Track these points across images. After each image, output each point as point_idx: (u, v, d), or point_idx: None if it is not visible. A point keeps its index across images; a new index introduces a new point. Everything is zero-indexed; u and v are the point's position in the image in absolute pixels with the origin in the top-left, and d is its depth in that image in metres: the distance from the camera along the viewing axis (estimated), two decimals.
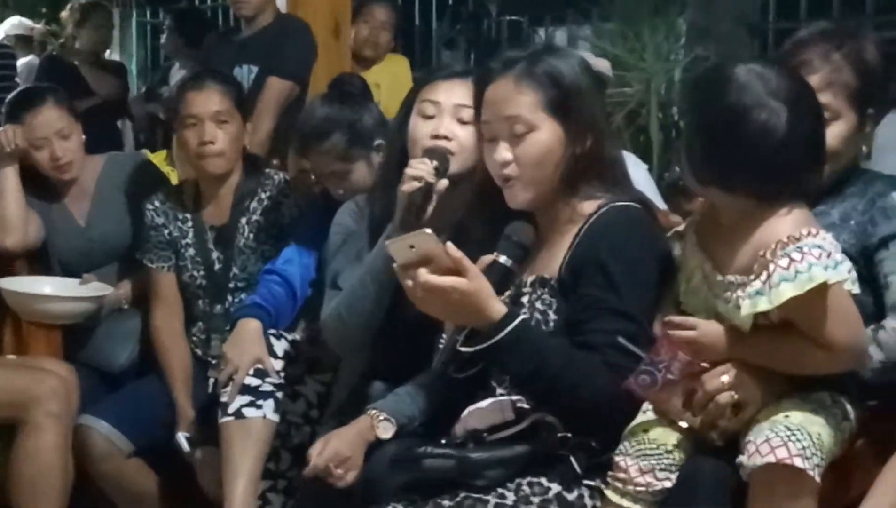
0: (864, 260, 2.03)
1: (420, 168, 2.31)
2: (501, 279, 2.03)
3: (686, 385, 1.85)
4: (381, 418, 2.26)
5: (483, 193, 2.18)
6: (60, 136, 3.27)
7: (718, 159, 1.83)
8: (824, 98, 2.03)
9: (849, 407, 1.89)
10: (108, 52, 6.89)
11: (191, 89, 3.11)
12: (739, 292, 1.83)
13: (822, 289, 1.76)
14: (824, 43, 2.08)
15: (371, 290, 2.41)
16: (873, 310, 2.01)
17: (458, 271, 1.92)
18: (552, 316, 2.05)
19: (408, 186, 2.30)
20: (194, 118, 3.06)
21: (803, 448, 1.76)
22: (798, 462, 1.75)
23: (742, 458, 1.80)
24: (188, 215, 3.18)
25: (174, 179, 3.59)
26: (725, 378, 1.84)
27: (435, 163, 2.32)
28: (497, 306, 1.95)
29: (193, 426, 3.02)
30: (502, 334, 1.94)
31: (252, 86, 3.79)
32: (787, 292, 1.76)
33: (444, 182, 2.33)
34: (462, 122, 2.39)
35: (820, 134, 1.87)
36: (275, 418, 2.72)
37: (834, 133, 2.04)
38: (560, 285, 2.05)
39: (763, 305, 1.78)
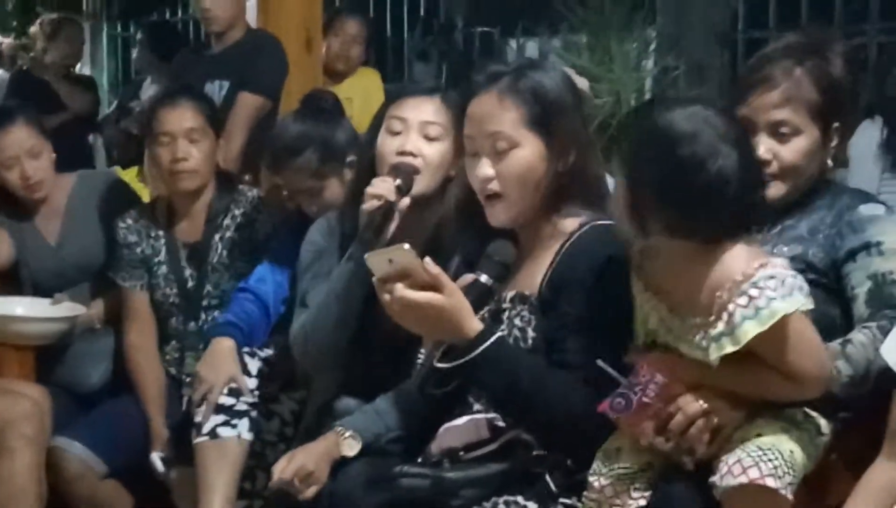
0: (833, 273, 2.04)
1: (381, 186, 2.31)
2: (481, 298, 2.04)
3: (660, 409, 1.85)
4: (347, 435, 2.25)
5: (465, 208, 2.18)
6: (30, 155, 3.25)
7: (669, 208, 1.79)
8: (783, 114, 2.06)
9: (822, 422, 1.90)
10: (78, 66, 6.86)
11: (164, 106, 3.11)
12: (701, 335, 1.82)
13: (784, 320, 1.76)
14: (787, 58, 2.09)
15: (334, 310, 2.41)
16: (842, 323, 2.02)
17: (435, 286, 1.92)
18: (531, 333, 2.05)
19: (368, 205, 2.30)
20: (167, 135, 3.05)
21: (775, 467, 1.77)
22: (770, 482, 1.76)
23: (715, 479, 1.80)
24: (161, 233, 3.17)
25: (146, 197, 3.57)
26: (703, 403, 1.84)
27: (398, 181, 2.32)
28: (473, 324, 1.96)
29: (168, 446, 3.01)
30: (478, 350, 1.95)
31: (223, 102, 3.78)
32: (751, 330, 1.75)
33: (405, 201, 2.33)
34: (429, 138, 2.39)
35: (756, 166, 1.87)
36: (249, 437, 2.71)
37: (794, 148, 2.06)
38: (540, 302, 2.05)
39: (729, 346, 1.78)
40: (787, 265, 1.83)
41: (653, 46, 5.18)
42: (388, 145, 2.40)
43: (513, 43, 6.54)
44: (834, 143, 2.11)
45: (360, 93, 4.56)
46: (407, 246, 1.93)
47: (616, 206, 1.87)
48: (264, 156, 3.01)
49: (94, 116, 6.07)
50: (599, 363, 1.89)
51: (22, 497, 2.92)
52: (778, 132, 2.07)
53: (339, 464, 2.23)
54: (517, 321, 2.06)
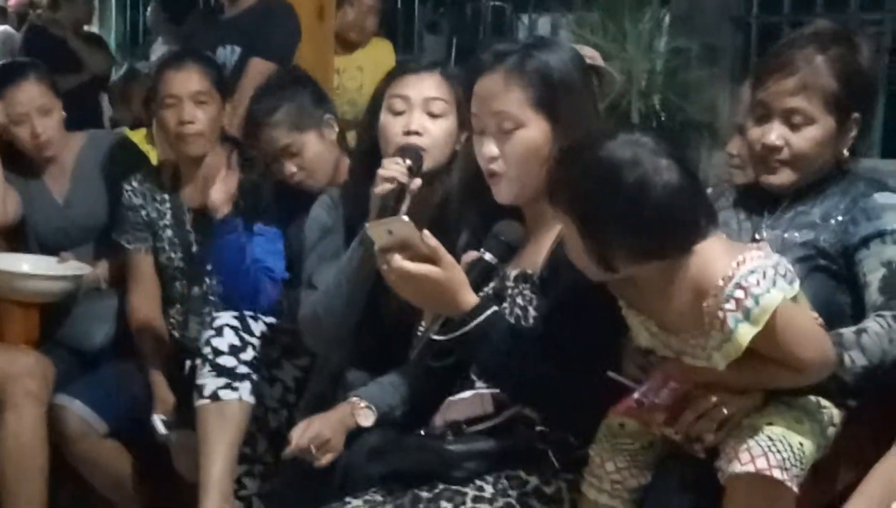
0: (845, 260, 2.03)
1: (393, 168, 2.29)
2: (484, 276, 2.04)
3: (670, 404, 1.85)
4: (363, 405, 2.26)
5: (471, 184, 2.18)
6: (41, 112, 3.24)
7: (631, 237, 1.76)
8: (797, 102, 2.04)
9: (835, 412, 1.89)
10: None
11: (170, 69, 3.09)
12: (700, 346, 1.81)
13: (775, 315, 1.74)
14: (811, 45, 2.07)
15: (345, 290, 2.40)
16: (852, 311, 2.02)
17: (433, 259, 1.93)
18: (532, 312, 2.05)
19: (380, 189, 2.29)
20: (173, 98, 3.04)
21: (783, 458, 1.76)
22: (777, 474, 1.75)
23: (721, 462, 1.80)
24: (166, 197, 3.16)
25: (154, 159, 3.57)
26: (714, 398, 1.83)
27: (408, 162, 2.31)
28: (469, 297, 1.97)
29: (170, 409, 3.01)
30: (473, 324, 1.95)
31: (235, 67, 3.76)
32: (747, 333, 1.73)
33: (417, 181, 2.32)
34: (433, 115, 2.39)
35: (692, 168, 1.83)
36: (251, 400, 2.72)
37: (806, 137, 2.05)
38: (541, 281, 2.05)
39: (733, 353, 1.76)
40: (764, 253, 1.80)
41: (666, 27, 5.16)
42: (392, 126, 2.39)
43: (524, 18, 6.52)
44: (852, 133, 2.09)
45: (373, 63, 4.55)
46: (406, 218, 1.95)
47: (571, 252, 1.85)
48: (242, 130, 3.00)
49: (107, 76, 6.03)
50: (611, 374, 1.88)
51: (30, 453, 2.95)
52: (791, 120, 2.06)
53: (354, 434, 2.24)
54: (519, 300, 2.07)
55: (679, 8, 5.17)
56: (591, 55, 3.28)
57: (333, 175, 2.90)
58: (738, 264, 1.75)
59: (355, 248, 2.39)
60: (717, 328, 1.75)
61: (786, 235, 2.06)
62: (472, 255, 2.05)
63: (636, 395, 1.83)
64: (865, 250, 2.02)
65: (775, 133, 2.05)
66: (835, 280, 2.02)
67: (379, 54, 4.68)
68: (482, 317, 1.96)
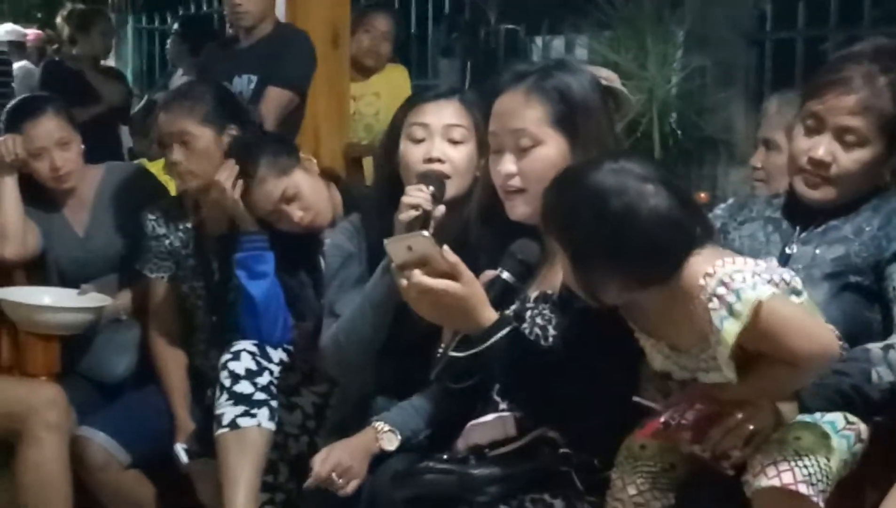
0: (874, 274, 2.01)
1: (417, 196, 2.30)
2: (503, 295, 2.04)
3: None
4: (386, 430, 2.26)
5: (488, 207, 2.18)
6: (60, 145, 3.26)
7: (625, 266, 1.76)
8: (855, 122, 2.00)
9: (862, 427, 1.87)
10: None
11: (160, 110, 3.12)
12: (711, 359, 1.79)
13: (759, 307, 1.72)
14: (872, 63, 2.02)
15: (370, 317, 2.40)
16: (881, 326, 1.99)
17: (453, 275, 1.93)
18: (551, 331, 2.05)
19: (405, 215, 2.28)
20: (165, 139, 3.06)
21: (810, 474, 1.75)
22: (803, 489, 1.74)
23: (748, 476, 1.79)
24: (188, 226, 3.17)
25: (173, 189, 3.58)
26: (740, 414, 1.81)
27: (431, 189, 2.31)
28: (488, 313, 1.97)
29: (192, 438, 3.02)
30: (491, 340, 1.95)
31: (252, 96, 3.79)
32: (732, 329, 1.72)
33: (441, 208, 2.32)
34: (453, 142, 2.39)
35: (681, 188, 1.83)
36: (270, 426, 2.71)
37: (855, 158, 2.02)
38: (560, 300, 2.05)
39: (725, 353, 1.74)
40: (759, 263, 1.79)
41: (680, 45, 5.16)
42: (413, 154, 2.40)
43: (538, 40, 6.52)
44: None
45: (388, 88, 4.57)
46: (426, 233, 1.95)
47: (568, 279, 1.85)
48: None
49: (127, 108, 6.07)
50: (636, 398, 1.88)
51: (52, 484, 2.95)
52: (843, 138, 2.02)
53: (378, 459, 2.24)
54: (538, 320, 2.07)
55: (693, 25, 5.16)
56: (607, 77, 3.29)
57: (335, 207, 2.91)
58: (723, 263, 1.75)
59: (380, 274, 2.39)
60: (709, 330, 1.74)
61: (817, 250, 2.04)
62: (489, 274, 2.05)
63: (663, 418, 1.83)
64: None
65: (824, 148, 2.03)
66: (864, 297, 2.00)
67: (395, 79, 4.69)
68: (501, 333, 1.96)
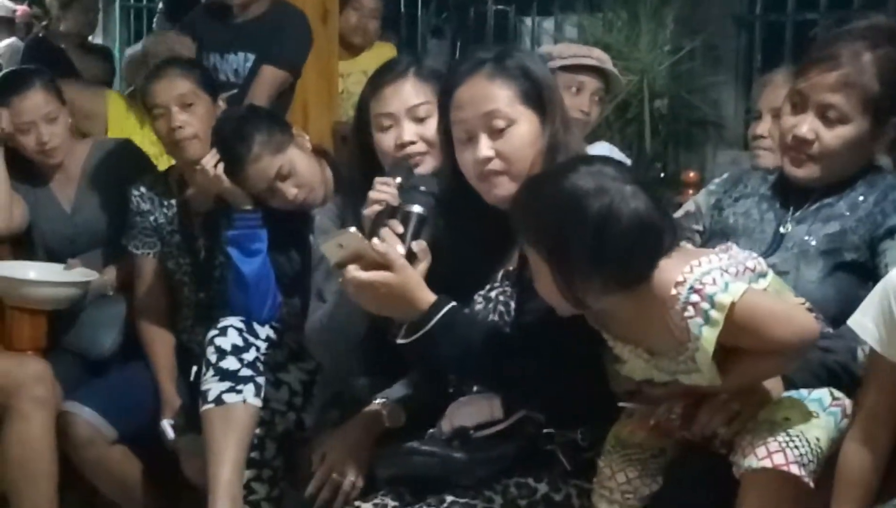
0: (868, 249, 2.00)
1: (383, 190, 2.26)
2: (418, 226, 2.06)
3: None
4: (391, 406, 2.26)
5: (453, 197, 2.15)
6: (47, 120, 3.25)
7: (605, 267, 1.74)
8: (835, 99, 1.99)
9: (847, 402, 1.86)
10: (90, 35, 6.83)
11: (152, 81, 3.11)
12: (691, 360, 1.78)
13: (734, 308, 1.71)
14: (862, 40, 1.99)
15: (350, 304, 2.39)
16: None
17: (385, 265, 1.96)
18: (512, 306, 2.07)
19: (369, 211, 2.24)
20: (160, 107, 3.05)
21: (801, 454, 1.74)
22: (794, 470, 1.74)
23: (736, 457, 1.78)
24: (174, 202, 3.16)
25: (165, 163, 3.56)
26: (724, 396, 1.82)
27: (398, 179, 2.29)
28: (426, 296, 1.98)
29: (178, 414, 3.02)
30: (433, 321, 1.97)
31: (248, 74, 3.77)
32: (711, 335, 1.71)
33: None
34: (420, 119, 2.37)
35: (652, 193, 1.81)
36: (256, 402, 2.71)
37: (837, 135, 2.01)
38: (517, 275, 2.07)
39: (705, 360, 1.74)
40: (721, 256, 1.78)
41: (670, 27, 5.16)
42: (384, 142, 2.39)
43: (527, 21, 6.51)
44: (890, 137, 2.04)
45: (377, 66, 4.52)
46: (353, 229, 1.98)
47: (541, 288, 1.83)
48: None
49: (109, 85, 6.03)
50: (621, 404, 1.89)
51: (38, 459, 2.95)
52: (825, 115, 2.01)
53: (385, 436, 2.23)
54: (500, 297, 2.09)
55: (682, 8, 5.16)
56: (599, 57, 3.29)
57: (326, 184, 2.90)
58: (690, 269, 1.74)
59: None
60: (687, 338, 1.74)
61: (812, 227, 2.04)
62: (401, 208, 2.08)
63: (653, 421, 1.86)
64: (890, 241, 1.98)
65: (807, 126, 2.02)
66: (858, 275, 1.99)
67: (383, 57, 4.60)
68: (442, 313, 1.97)
